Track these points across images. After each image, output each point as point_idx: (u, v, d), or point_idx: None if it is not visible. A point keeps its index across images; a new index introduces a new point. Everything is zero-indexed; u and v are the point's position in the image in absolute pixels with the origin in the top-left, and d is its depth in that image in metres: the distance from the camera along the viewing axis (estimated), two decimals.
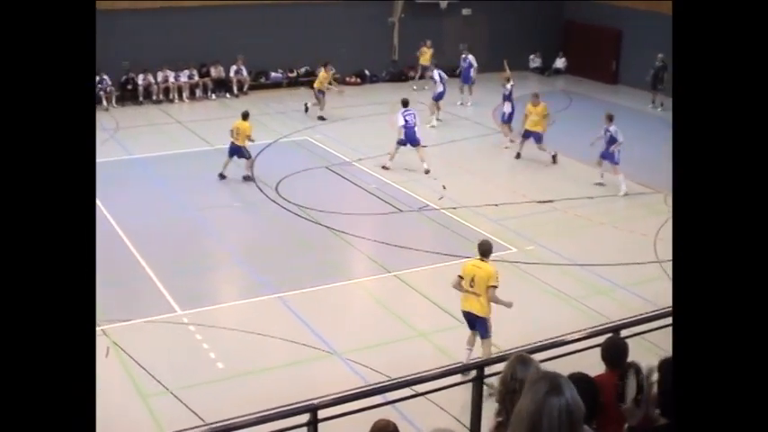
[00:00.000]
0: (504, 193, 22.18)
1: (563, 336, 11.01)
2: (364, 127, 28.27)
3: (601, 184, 22.78)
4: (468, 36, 35.56)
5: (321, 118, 28.96)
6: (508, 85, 26.72)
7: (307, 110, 29.20)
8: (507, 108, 26.57)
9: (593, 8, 36.79)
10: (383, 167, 23.74)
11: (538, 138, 24.65)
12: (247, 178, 22.79)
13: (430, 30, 35.85)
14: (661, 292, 16.20)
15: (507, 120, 26.55)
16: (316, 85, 29.46)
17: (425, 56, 34.72)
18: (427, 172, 23.34)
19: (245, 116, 23.10)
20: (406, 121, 23.68)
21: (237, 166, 22.77)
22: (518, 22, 37.25)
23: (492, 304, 13.23)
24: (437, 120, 28.66)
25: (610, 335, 9.02)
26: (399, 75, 36.14)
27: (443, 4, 36.16)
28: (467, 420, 9.77)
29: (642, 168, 23.27)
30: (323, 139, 26.62)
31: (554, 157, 24.74)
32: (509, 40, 36.52)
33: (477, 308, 13.25)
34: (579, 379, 5.56)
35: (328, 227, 19.49)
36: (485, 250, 13.53)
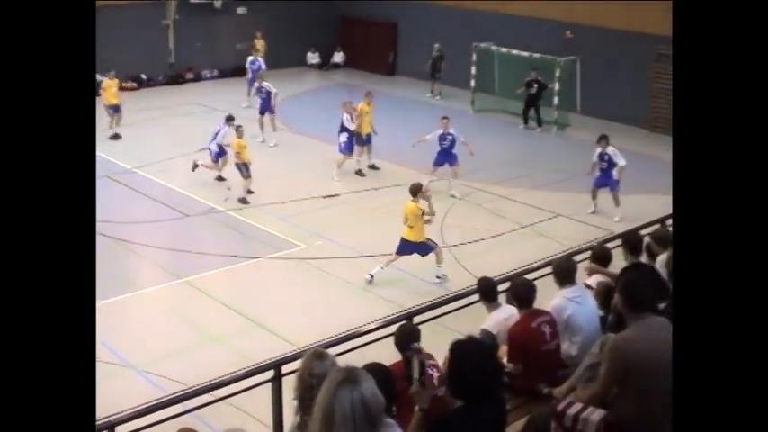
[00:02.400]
0: (290, 190, 22.15)
1: (358, 327, 11.08)
2: (143, 133, 27.66)
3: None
4: (244, 35, 35.37)
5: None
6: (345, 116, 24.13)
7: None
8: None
9: (369, 2, 37.28)
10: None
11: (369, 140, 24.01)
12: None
13: (206, 30, 35.53)
14: (451, 276, 16.63)
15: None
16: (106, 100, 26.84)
17: (257, 47, 34.35)
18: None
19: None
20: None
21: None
22: (294, 19, 37.34)
23: (424, 230, 16.86)
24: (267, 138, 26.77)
25: (403, 322, 9.14)
26: (177, 77, 35.53)
27: (218, 4, 35.80)
28: (269, 420, 9.71)
29: (425, 157, 23.70)
30: (101, 147, 25.81)
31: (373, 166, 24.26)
32: (286, 38, 36.62)
33: (414, 236, 16.67)
34: (374, 369, 5.60)
35: (113, 237, 18.94)
36: (414, 190, 16.76)
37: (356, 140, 23.74)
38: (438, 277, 16.91)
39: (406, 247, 16.86)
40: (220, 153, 22.63)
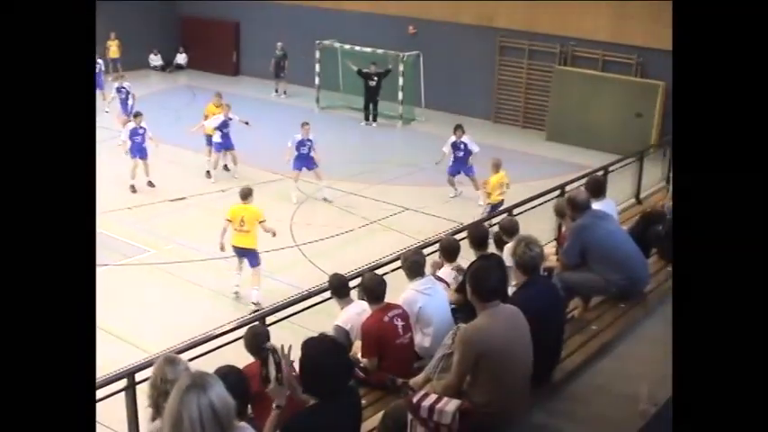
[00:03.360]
0: (137, 194, 21.78)
1: (210, 331, 10.98)
2: None
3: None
4: None
5: None
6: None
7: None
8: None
9: (210, 2, 36.82)
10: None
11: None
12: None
13: None
14: (302, 275, 16.61)
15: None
16: None
17: (113, 49, 33.39)
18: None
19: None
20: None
21: None
22: (134, 20, 36.49)
23: (258, 237, 16.28)
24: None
25: (252, 324, 9.11)
26: None
27: None
28: (125, 430, 9.54)
29: (270, 155, 23.60)
30: None
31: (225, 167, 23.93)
32: (127, 40, 35.80)
33: (248, 242, 16.18)
34: (227, 372, 5.58)
35: None
36: (245, 194, 16.31)
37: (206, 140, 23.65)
38: (254, 303, 15.84)
39: (241, 254, 16.40)
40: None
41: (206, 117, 23.70)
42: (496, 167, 19.29)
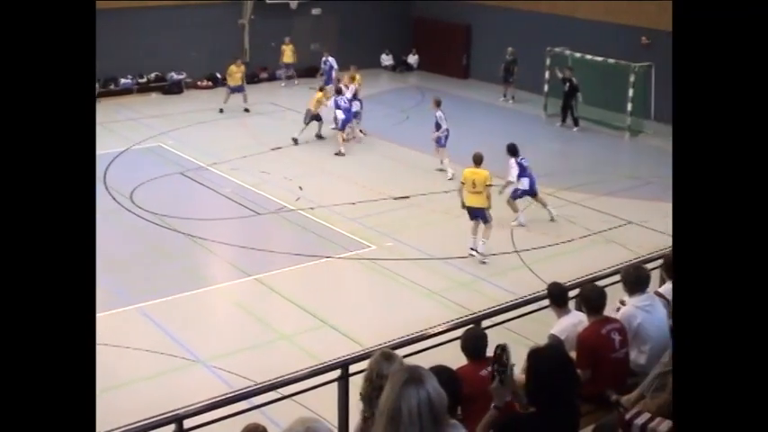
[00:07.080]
0: (361, 191, 22.23)
1: (426, 330, 11.10)
2: (217, 131, 27.99)
3: (441, 170, 23.30)
4: (319, 36, 35.59)
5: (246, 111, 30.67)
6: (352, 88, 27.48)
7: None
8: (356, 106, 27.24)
9: (443, 4, 37.28)
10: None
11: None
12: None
13: (281, 31, 35.73)
14: (520, 281, 16.55)
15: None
16: (229, 82, 31.12)
17: (287, 53, 34.81)
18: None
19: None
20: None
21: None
22: (368, 20, 37.47)
23: (490, 198, 18.07)
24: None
25: (471, 326, 9.13)
26: (252, 77, 35.76)
27: (293, 5, 36.01)
28: (335, 420, 9.76)
29: (495, 160, 23.59)
30: (176, 144, 26.22)
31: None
32: (360, 39, 36.76)
33: (479, 202, 18.00)
34: (441, 371, 5.61)
35: (186, 233, 19.18)
36: (478, 159, 18.43)
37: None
38: (480, 253, 18.05)
39: (475, 213, 18.11)
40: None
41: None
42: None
